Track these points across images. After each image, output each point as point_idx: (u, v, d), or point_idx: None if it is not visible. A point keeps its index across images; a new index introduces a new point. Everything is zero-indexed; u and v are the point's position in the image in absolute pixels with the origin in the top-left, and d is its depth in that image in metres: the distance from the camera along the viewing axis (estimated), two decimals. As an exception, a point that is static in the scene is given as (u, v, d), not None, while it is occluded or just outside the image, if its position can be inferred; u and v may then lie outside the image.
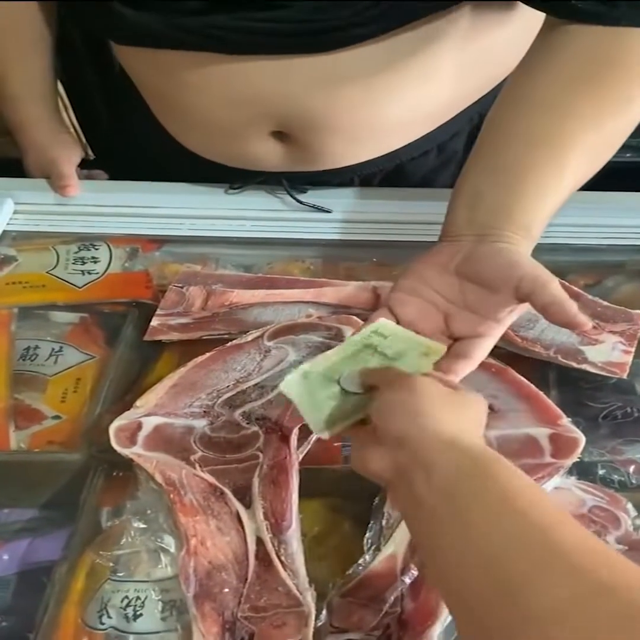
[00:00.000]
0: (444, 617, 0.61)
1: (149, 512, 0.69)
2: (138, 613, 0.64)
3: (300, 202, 1.07)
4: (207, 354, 0.82)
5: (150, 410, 0.76)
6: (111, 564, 0.66)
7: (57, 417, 0.81)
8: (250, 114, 0.95)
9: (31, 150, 1.11)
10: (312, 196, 1.09)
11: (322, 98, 0.91)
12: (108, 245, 1.03)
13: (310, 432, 0.74)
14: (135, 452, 0.72)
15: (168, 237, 1.06)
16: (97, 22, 0.97)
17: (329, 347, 0.77)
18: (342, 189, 1.10)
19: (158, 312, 0.90)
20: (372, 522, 0.70)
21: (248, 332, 0.87)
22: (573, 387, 0.84)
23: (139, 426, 0.74)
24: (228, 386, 0.78)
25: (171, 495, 0.68)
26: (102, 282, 0.97)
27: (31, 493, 0.73)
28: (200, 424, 0.75)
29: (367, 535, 0.69)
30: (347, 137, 0.98)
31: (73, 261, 1.00)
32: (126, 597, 0.64)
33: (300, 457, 0.73)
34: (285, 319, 0.89)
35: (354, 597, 0.64)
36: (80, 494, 0.72)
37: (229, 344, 0.83)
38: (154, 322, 0.89)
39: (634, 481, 0.75)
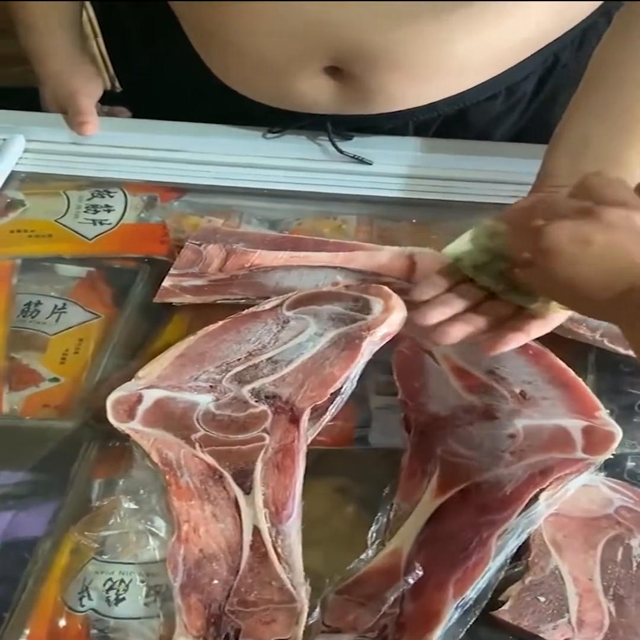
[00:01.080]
0: (446, 620, 0.62)
1: (141, 492, 0.70)
2: (120, 597, 0.66)
3: (340, 151, 1.07)
4: (220, 323, 0.81)
5: (153, 382, 0.76)
6: (96, 545, 0.69)
7: (55, 379, 0.83)
8: (304, 46, 0.94)
9: (49, 81, 1.13)
10: (354, 145, 1.09)
11: (388, 29, 0.89)
12: (124, 192, 1.05)
13: (322, 414, 0.76)
14: (132, 427, 0.72)
15: (190, 185, 1.07)
16: None
17: (353, 320, 0.80)
18: (387, 137, 1.10)
19: (171, 271, 0.91)
20: (379, 513, 0.71)
21: (268, 298, 0.87)
22: (612, 371, 0.84)
23: (139, 399, 0.74)
24: (239, 359, 0.78)
25: (167, 476, 0.69)
26: (114, 234, 0.99)
27: (19, 461, 0.75)
28: (205, 399, 0.75)
29: (373, 528, 0.70)
30: (410, 76, 0.96)
31: (85, 209, 1.02)
32: (110, 579, 0.67)
33: (310, 439, 0.74)
34: (310, 285, 0.90)
35: (351, 594, 0.65)
36: (71, 465, 0.75)
37: (245, 311, 0.83)
38: (166, 282, 0.90)
39: (665, 476, 0.75)
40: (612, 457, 0.74)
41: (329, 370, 0.76)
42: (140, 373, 0.77)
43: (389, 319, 0.80)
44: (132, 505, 0.70)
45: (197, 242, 0.95)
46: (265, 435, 0.72)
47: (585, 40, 1.05)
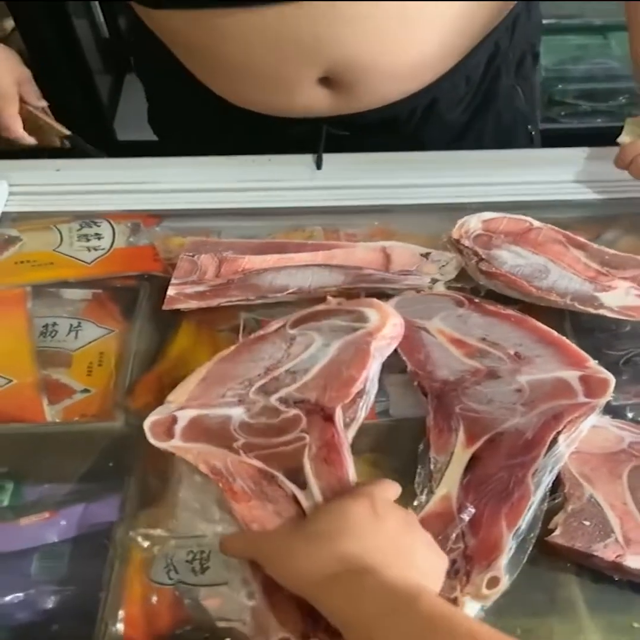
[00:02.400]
0: (508, 549, 0.63)
1: (197, 505, 0.68)
2: (205, 566, 0.64)
3: (319, 167, 1.08)
4: (232, 348, 0.81)
5: (183, 404, 0.75)
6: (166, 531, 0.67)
7: (86, 390, 0.81)
8: (299, 62, 0.95)
9: None
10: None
11: (368, 37, 0.92)
12: (109, 222, 1.03)
13: (354, 416, 0.75)
14: (174, 445, 0.70)
15: (168, 211, 1.06)
16: None
17: (354, 329, 0.80)
18: (336, 155, 1.11)
19: (173, 281, 0.90)
20: (420, 466, 0.72)
21: (265, 297, 0.88)
22: (589, 336, 0.86)
23: (174, 420, 0.73)
24: (259, 374, 0.77)
25: (220, 484, 0.67)
26: (110, 257, 0.97)
27: (78, 462, 0.74)
28: (237, 412, 0.73)
29: (417, 479, 0.71)
30: (390, 75, 0.99)
31: (77, 238, 1.00)
32: (191, 551, 0.65)
33: (350, 438, 0.73)
34: (299, 282, 0.90)
35: (416, 537, 0.65)
36: (126, 461, 0.73)
37: (253, 336, 0.82)
38: (171, 291, 0.89)
39: (664, 420, 0.77)
40: (612, 408, 0.76)
41: (347, 373, 0.75)
42: (170, 397, 0.75)
43: (389, 323, 0.80)
44: (190, 514, 0.67)
45: (191, 254, 0.94)
46: (305, 435, 0.70)
47: (515, 28, 1.11)
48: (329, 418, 0.71)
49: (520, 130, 1.23)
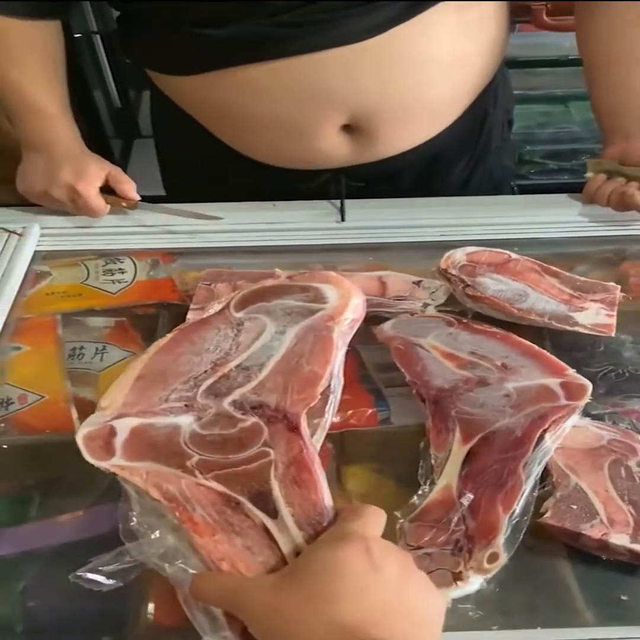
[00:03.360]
0: (505, 529, 0.64)
1: (152, 536, 0.53)
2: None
3: (342, 217, 1.10)
4: (169, 336, 0.67)
5: (120, 411, 0.60)
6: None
7: (109, 407, 0.81)
8: (322, 112, 0.97)
9: (66, 161, 1.02)
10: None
11: (391, 81, 0.93)
12: (131, 259, 1.04)
13: (321, 417, 0.65)
14: (115, 464, 0.56)
15: (183, 249, 1.08)
16: (167, 58, 0.99)
17: (311, 311, 0.68)
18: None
19: (192, 306, 0.91)
20: (421, 461, 0.72)
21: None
22: (567, 354, 0.86)
23: (112, 431, 0.59)
24: (205, 371, 0.63)
25: (177, 513, 0.52)
26: (133, 288, 0.99)
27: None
28: (186, 420, 0.60)
29: (420, 472, 0.71)
30: (406, 120, 1.00)
31: (102, 273, 1.01)
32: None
33: (319, 446, 0.62)
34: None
35: (421, 521, 0.66)
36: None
37: (191, 320, 0.68)
38: (190, 315, 0.89)
39: (639, 427, 0.79)
40: (592, 417, 0.78)
41: (309, 368, 0.64)
42: (103, 403, 0.62)
43: (350, 304, 0.70)
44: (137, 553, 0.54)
45: (208, 283, 0.95)
46: (268, 449, 0.57)
47: (497, 96, 1.16)
48: (294, 428, 0.58)
49: (506, 185, 1.27)
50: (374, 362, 0.85)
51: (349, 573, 0.46)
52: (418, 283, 0.97)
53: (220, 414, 0.59)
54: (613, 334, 0.86)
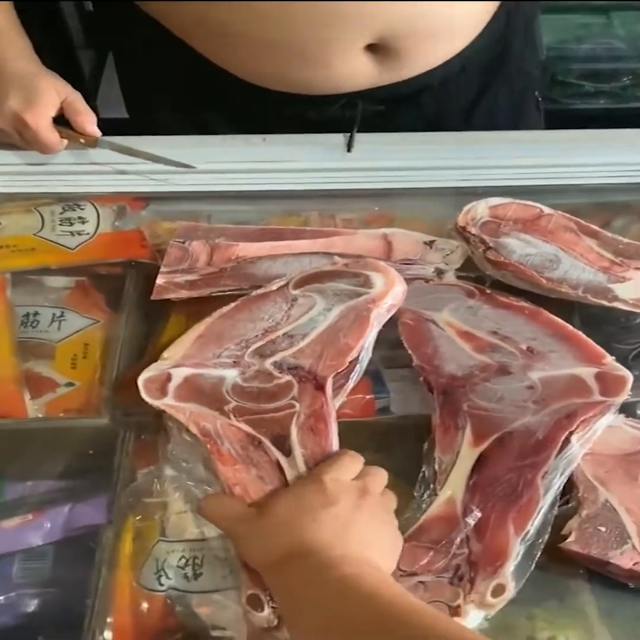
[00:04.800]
0: (515, 554, 0.64)
1: (184, 464, 0.70)
2: (198, 572, 0.65)
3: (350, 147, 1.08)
4: (232, 304, 0.82)
5: (178, 362, 0.77)
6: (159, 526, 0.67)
7: (70, 384, 0.81)
8: (345, 33, 0.97)
9: (13, 83, 0.99)
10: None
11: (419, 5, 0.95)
12: (93, 205, 1.02)
13: (345, 382, 0.77)
14: (166, 403, 0.73)
15: (154, 193, 1.06)
16: None
17: (357, 294, 0.81)
18: (332, 135, 1.11)
19: (162, 269, 0.90)
20: (424, 466, 0.72)
21: (259, 287, 0.87)
22: (598, 329, 0.85)
23: (168, 377, 0.75)
24: (256, 336, 0.79)
25: (208, 446, 0.69)
26: (95, 243, 0.97)
27: (62, 458, 0.74)
28: (231, 374, 0.76)
29: (419, 479, 0.71)
30: (436, 35, 1.02)
31: (59, 222, 0.99)
32: (183, 557, 0.66)
33: (337, 406, 0.75)
34: (296, 271, 0.89)
35: (418, 541, 0.66)
36: (113, 459, 0.73)
37: (254, 293, 0.84)
38: (160, 280, 0.89)
39: (675, 417, 0.77)
40: (623, 406, 0.76)
41: (344, 341, 0.77)
42: (165, 354, 0.77)
43: (392, 291, 0.82)
44: (180, 474, 0.70)
45: (181, 240, 0.94)
46: (295, 402, 0.73)
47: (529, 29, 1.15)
48: (320, 387, 0.74)
49: (530, 97, 1.25)
50: (377, 337, 0.83)
51: (306, 507, 0.61)
52: (430, 243, 0.95)
53: (261, 371, 0.76)
54: (658, 312, 0.84)
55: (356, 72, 1.03)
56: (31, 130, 1.00)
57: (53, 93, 1.01)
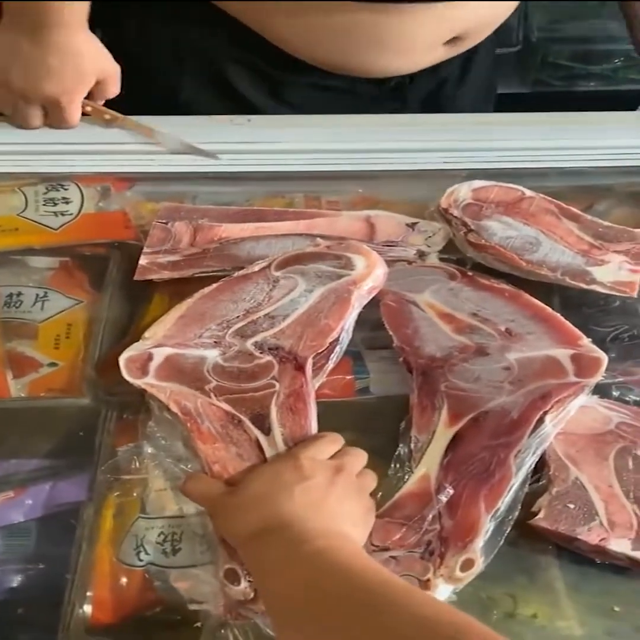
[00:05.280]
0: (485, 531, 0.66)
1: (163, 442, 0.72)
2: (177, 547, 0.66)
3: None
4: (214, 285, 0.84)
5: (160, 342, 0.78)
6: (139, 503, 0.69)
7: (53, 364, 0.83)
8: (442, 29, 1.05)
9: (55, 60, 0.99)
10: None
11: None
12: (77, 185, 1.03)
13: (325, 363, 0.79)
14: (147, 382, 0.74)
15: (139, 174, 1.07)
16: None
17: (339, 276, 0.83)
18: (319, 117, 1.14)
19: (145, 250, 0.92)
20: (400, 445, 0.74)
21: (242, 268, 0.89)
22: (577, 311, 0.88)
23: (150, 357, 0.77)
24: (238, 316, 0.81)
25: (188, 424, 0.71)
26: (78, 223, 0.98)
27: (44, 439, 0.75)
28: (212, 354, 0.77)
29: (395, 458, 0.73)
30: (493, 25, 1.13)
31: (43, 202, 1.00)
32: (162, 533, 0.67)
33: (316, 386, 0.77)
34: (279, 252, 0.91)
35: (392, 517, 0.68)
36: (94, 438, 0.75)
37: (236, 274, 0.85)
38: (143, 260, 0.91)
39: (649, 399, 0.79)
40: (598, 387, 0.78)
41: (325, 322, 0.79)
42: (147, 334, 0.79)
43: (373, 273, 0.84)
44: (159, 451, 0.72)
45: (164, 221, 0.96)
46: (275, 382, 0.75)
47: None
48: (300, 368, 0.76)
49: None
50: (358, 318, 0.85)
51: (281, 482, 0.63)
52: (413, 226, 0.96)
53: (242, 351, 0.78)
54: (635, 295, 0.86)
55: (432, 60, 1.09)
56: (60, 109, 1.03)
57: (92, 78, 1.04)
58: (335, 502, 0.63)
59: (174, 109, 1.12)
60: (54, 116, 1.04)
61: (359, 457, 0.69)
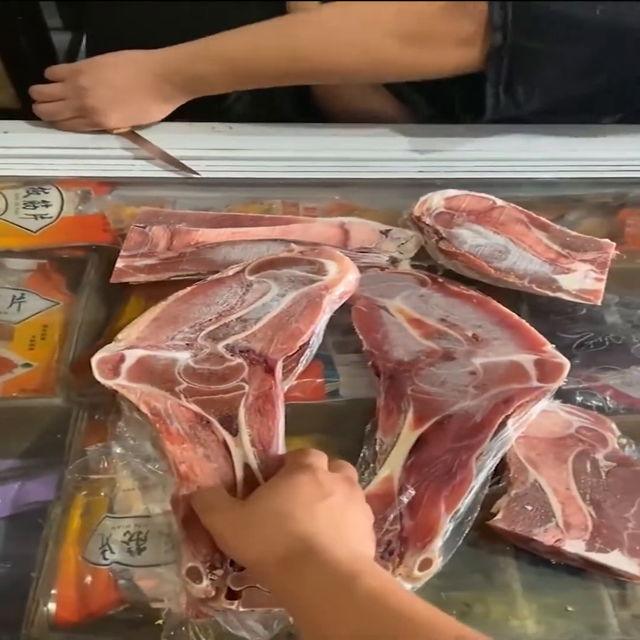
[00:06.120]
0: (444, 531, 0.66)
1: (132, 442, 0.72)
2: (142, 546, 0.66)
3: None
4: (188, 289, 0.84)
5: (132, 343, 0.78)
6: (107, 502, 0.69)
7: (27, 365, 0.82)
8: None
9: (134, 98, 1.09)
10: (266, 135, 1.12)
11: None
12: (58, 189, 1.03)
13: (294, 366, 0.79)
14: (119, 383, 0.74)
15: (120, 179, 1.07)
16: None
17: (311, 281, 0.83)
18: (298, 126, 1.15)
19: (122, 253, 0.92)
20: (365, 447, 0.74)
21: (217, 272, 0.89)
22: (544, 318, 0.89)
23: (122, 358, 0.77)
24: (210, 319, 0.81)
25: (157, 425, 0.71)
26: (57, 226, 0.98)
27: (16, 437, 0.75)
28: (184, 356, 0.78)
29: (360, 459, 0.73)
30: None
31: (23, 205, 1.00)
32: (128, 532, 0.67)
33: (286, 388, 0.78)
34: (254, 257, 0.91)
35: (354, 516, 0.68)
36: (65, 438, 0.75)
37: (210, 278, 0.86)
38: (119, 263, 0.91)
39: (611, 405, 0.81)
40: (562, 392, 0.79)
41: (296, 325, 0.80)
42: (120, 336, 0.79)
43: (345, 279, 0.85)
44: (127, 451, 0.72)
45: (142, 225, 0.96)
46: (245, 384, 0.75)
47: None
48: (270, 370, 0.76)
49: None
50: (329, 323, 0.85)
51: (304, 498, 0.60)
52: (386, 233, 0.97)
53: (213, 353, 0.78)
54: (599, 303, 0.87)
55: None
56: (90, 127, 1.09)
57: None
58: (352, 519, 0.62)
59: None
60: (77, 123, 1.09)
61: (352, 467, 0.68)
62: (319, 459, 0.65)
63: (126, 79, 1.06)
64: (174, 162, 1.07)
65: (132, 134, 1.09)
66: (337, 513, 0.60)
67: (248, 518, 0.61)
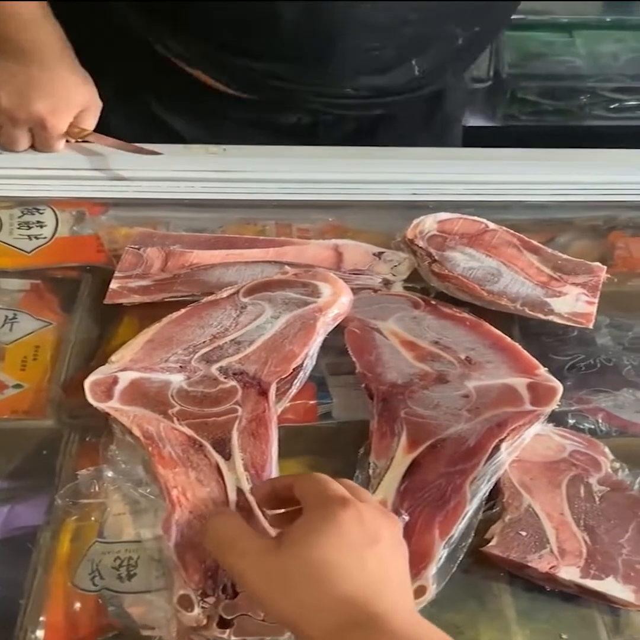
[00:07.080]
0: (438, 558, 0.64)
1: (123, 466, 0.70)
2: (132, 572, 0.64)
3: None
4: (183, 310, 0.83)
5: (126, 365, 0.77)
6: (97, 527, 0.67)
7: (18, 385, 0.80)
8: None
9: (45, 85, 1.00)
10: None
11: None
12: (52, 209, 1.02)
13: (288, 388, 0.78)
14: (111, 406, 0.73)
15: (115, 200, 1.06)
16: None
17: (305, 303, 0.82)
18: (291, 148, 1.13)
19: (116, 274, 0.90)
20: (358, 471, 0.72)
21: (211, 294, 0.88)
22: (536, 340, 0.87)
23: (115, 380, 0.75)
24: (204, 341, 0.80)
25: (150, 448, 0.69)
26: (51, 247, 0.96)
27: (6, 461, 0.73)
28: (177, 378, 0.76)
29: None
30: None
31: (17, 226, 0.99)
32: (118, 557, 0.65)
33: (279, 411, 0.76)
34: (248, 279, 0.90)
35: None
36: (56, 460, 0.73)
37: (204, 300, 0.84)
38: (113, 284, 0.89)
39: (603, 428, 0.79)
40: (554, 415, 0.77)
41: (289, 348, 0.79)
42: (113, 357, 0.78)
43: (339, 301, 0.83)
44: (119, 476, 0.70)
45: (137, 247, 0.94)
46: (238, 407, 0.73)
47: None
48: (264, 393, 0.74)
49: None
50: (323, 345, 0.84)
51: (351, 543, 0.52)
52: (379, 255, 0.96)
53: (206, 376, 0.76)
54: (591, 326, 0.86)
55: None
56: (47, 134, 1.03)
57: (79, 107, 1.04)
58: (402, 568, 0.55)
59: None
60: (39, 139, 1.04)
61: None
62: (357, 492, 0.58)
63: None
64: (134, 149, 1.05)
65: (91, 135, 1.07)
66: (388, 563, 0.53)
67: (286, 568, 0.51)
